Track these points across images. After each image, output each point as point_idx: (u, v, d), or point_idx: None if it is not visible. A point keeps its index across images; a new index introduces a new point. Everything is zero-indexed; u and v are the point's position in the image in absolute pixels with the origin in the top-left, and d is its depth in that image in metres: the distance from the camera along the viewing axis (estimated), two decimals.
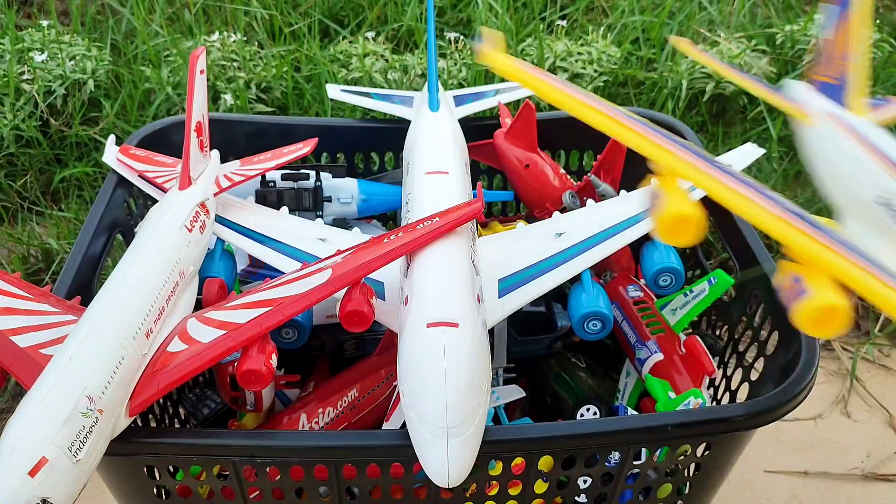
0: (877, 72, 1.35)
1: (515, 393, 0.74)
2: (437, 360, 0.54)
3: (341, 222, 0.89)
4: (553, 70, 1.30)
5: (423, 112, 0.88)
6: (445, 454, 0.52)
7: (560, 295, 0.83)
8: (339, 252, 0.66)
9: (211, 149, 0.80)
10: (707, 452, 0.65)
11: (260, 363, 0.57)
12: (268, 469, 0.60)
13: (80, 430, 0.49)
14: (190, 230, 0.69)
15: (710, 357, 0.73)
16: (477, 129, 0.94)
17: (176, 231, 0.67)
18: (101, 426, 0.51)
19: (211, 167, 0.78)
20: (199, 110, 0.75)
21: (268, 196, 0.87)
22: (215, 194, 0.76)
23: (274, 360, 0.58)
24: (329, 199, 0.88)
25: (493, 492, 0.63)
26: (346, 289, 0.61)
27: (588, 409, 0.76)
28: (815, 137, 0.66)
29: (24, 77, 1.25)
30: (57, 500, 0.47)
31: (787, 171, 1.28)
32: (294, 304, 0.60)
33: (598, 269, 0.85)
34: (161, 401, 0.82)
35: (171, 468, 0.61)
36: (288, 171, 0.87)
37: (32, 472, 0.46)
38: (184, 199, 0.71)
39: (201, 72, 0.75)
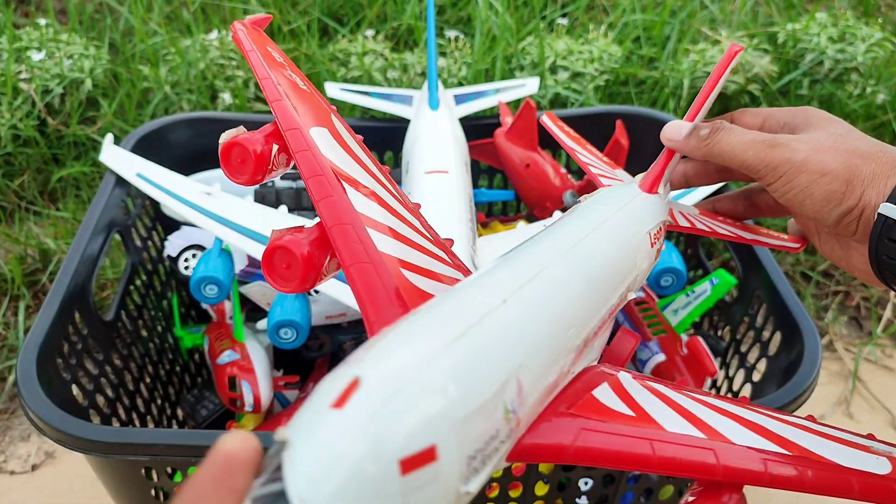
0: (878, 71, 1.34)
1: None
2: None
3: None
4: (554, 69, 1.30)
5: (422, 110, 0.88)
6: None
7: None
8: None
9: (208, 149, 0.79)
10: None
11: None
12: None
13: (491, 437, 0.28)
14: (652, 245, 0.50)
15: (712, 358, 0.73)
16: (477, 127, 0.93)
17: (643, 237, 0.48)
18: (504, 450, 0.30)
19: None
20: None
21: (266, 195, 0.86)
22: None
23: None
24: None
25: (494, 494, 0.62)
26: None
27: None
28: None
29: (22, 76, 1.24)
30: None
31: None
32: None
33: None
34: (158, 401, 0.82)
35: (169, 470, 0.61)
36: (287, 171, 0.87)
37: (406, 467, 0.25)
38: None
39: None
